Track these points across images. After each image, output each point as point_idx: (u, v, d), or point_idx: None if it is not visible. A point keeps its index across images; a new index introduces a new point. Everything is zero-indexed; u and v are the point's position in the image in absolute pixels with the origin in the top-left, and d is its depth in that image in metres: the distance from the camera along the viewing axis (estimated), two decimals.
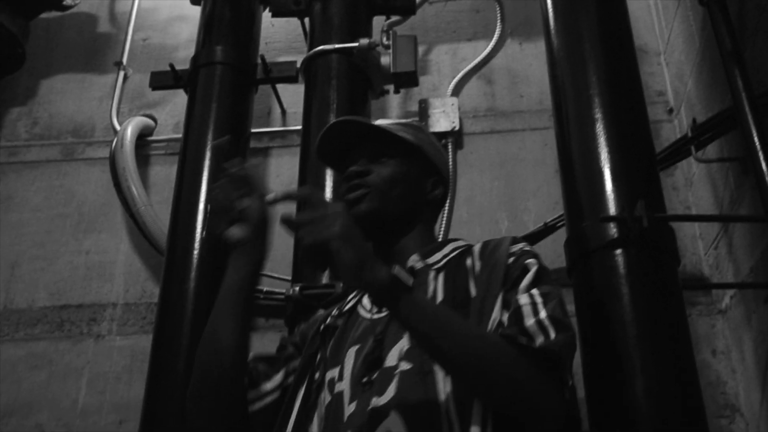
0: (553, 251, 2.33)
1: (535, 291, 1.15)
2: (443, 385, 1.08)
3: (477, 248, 1.28)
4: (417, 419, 1.06)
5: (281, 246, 2.78)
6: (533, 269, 1.19)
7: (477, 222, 2.72)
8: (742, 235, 2.22)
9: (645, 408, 1.45)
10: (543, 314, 1.11)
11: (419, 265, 1.28)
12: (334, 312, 1.37)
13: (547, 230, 2.47)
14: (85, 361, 2.69)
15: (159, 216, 2.75)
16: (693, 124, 2.15)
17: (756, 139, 1.63)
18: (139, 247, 2.89)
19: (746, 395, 2.29)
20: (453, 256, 1.30)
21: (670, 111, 2.86)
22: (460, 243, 1.36)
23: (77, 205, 3.03)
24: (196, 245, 2.42)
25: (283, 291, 2.45)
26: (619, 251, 1.62)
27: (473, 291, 1.19)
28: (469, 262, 1.25)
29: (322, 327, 1.33)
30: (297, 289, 2.19)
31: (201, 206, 2.48)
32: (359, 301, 1.34)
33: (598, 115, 1.82)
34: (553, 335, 1.09)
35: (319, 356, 1.28)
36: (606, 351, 1.55)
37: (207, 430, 1.23)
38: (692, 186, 2.67)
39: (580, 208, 1.76)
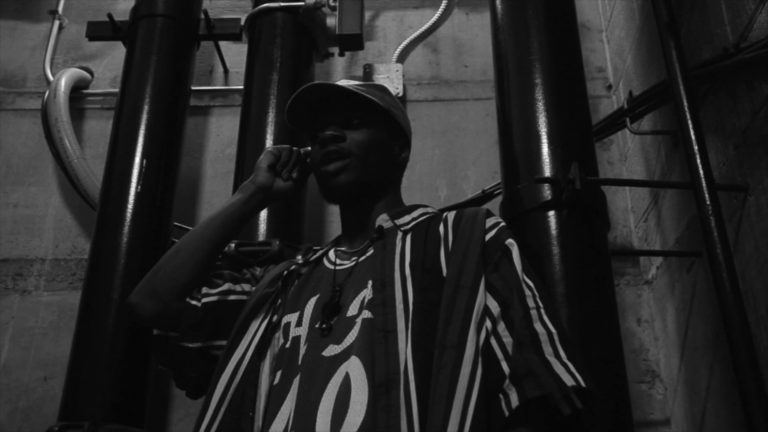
0: None
1: (530, 283, 1.19)
2: (405, 346, 1.09)
3: (450, 217, 1.30)
4: (377, 368, 1.07)
5: (219, 203, 2.76)
6: (515, 252, 1.22)
7: (417, 188, 2.74)
8: (670, 207, 2.29)
9: None
10: (557, 338, 1.13)
11: (388, 224, 1.30)
12: (300, 260, 1.39)
13: (485, 197, 2.50)
14: (10, 316, 2.61)
15: (93, 171, 2.67)
16: (629, 96, 2.20)
17: (686, 108, 1.68)
18: (71, 203, 2.81)
19: (666, 361, 2.38)
20: (422, 221, 1.32)
21: (609, 87, 2.92)
22: (429, 209, 1.39)
23: (5, 157, 2.92)
24: (131, 201, 2.36)
25: None
26: (551, 213, 1.66)
27: (444, 263, 1.20)
28: (441, 229, 1.27)
29: (285, 272, 1.36)
30: (233, 245, 2.16)
31: (137, 161, 2.42)
32: (326, 254, 1.37)
33: (538, 80, 1.84)
34: (578, 376, 1.09)
35: (279, 300, 1.30)
36: None
37: (147, 311, 1.32)
38: (627, 160, 2.75)
39: (517, 170, 1.78)
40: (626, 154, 2.75)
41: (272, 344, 1.24)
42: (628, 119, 2.22)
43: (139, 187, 2.38)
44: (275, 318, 1.27)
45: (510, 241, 1.24)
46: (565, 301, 1.55)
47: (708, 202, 1.57)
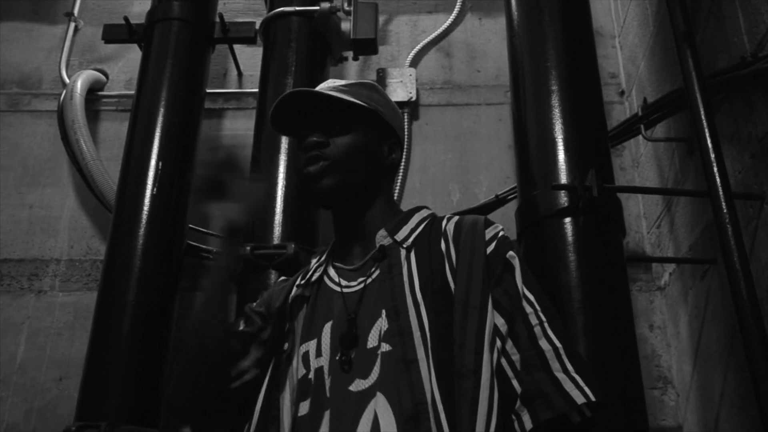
0: (503, 224, 2.36)
1: (531, 297, 1.17)
2: (428, 374, 1.09)
3: (450, 229, 1.27)
4: (403, 404, 1.07)
5: None
6: (516, 265, 1.20)
7: (429, 192, 2.75)
8: (684, 214, 2.30)
9: None
10: (563, 352, 1.12)
11: (387, 242, 1.27)
12: (300, 281, 1.35)
13: (498, 202, 2.51)
14: (25, 316, 2.63)
15: (108, 172, 2.69)
16: (644, 103, 2.21)
17: (703, 116, 1.69)
18: (86, 204, 2.83)
19: (679, 368, 2.38)
20: (421, 232, 1.29)
21: (622, 93, 2.93)
22: (424, 213, 1.35)
23: (21, 158, 2.94)
24: (146, 202, 2.38)
25: None
26: (568, 219, 1.67)
27: (451, 280, 1.19)
28: (443, 246, 1.24)
29: (290, 298, 1.32)
30: (248, 248, 2.17)
31: (152, 163, 2.44)
32: (325, 271, 1.33)
33: (554, 87, 1.85)
34: (587, 390, 1.08)
35: (287, 327, 1.27)
36: None
37: (194, 410, 1.25)
38: (639, 166, 2.75)
39: (533, 176, 1.79)
40: (638, 160, 2.76)
41: (290, 374, 1.21)
42: (642, 126, 2.23)
43: (154, 189, 2.40)
44: (287, 346, 1.24)
45: (511, 253, 1.21)
46: (582, 308, 1.56)
47: (725, 210, 1.58)
